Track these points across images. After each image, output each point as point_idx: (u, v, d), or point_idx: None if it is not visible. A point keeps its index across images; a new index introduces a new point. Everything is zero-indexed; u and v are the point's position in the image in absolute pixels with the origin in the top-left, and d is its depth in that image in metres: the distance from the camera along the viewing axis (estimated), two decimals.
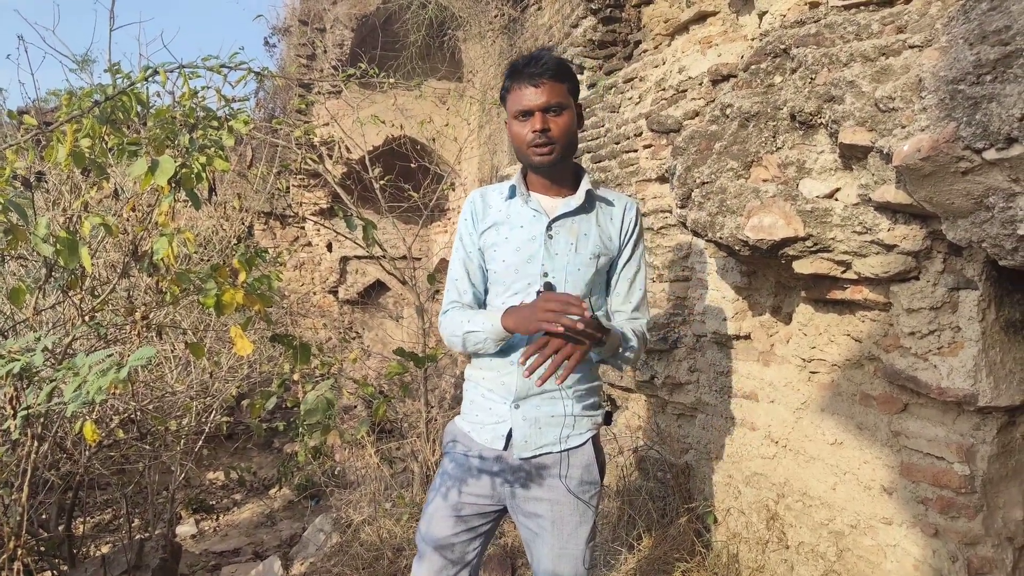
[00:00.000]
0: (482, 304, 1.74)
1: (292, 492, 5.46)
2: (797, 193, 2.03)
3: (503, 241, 1.64)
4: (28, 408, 1.41)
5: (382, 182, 4.43)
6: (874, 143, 1.76)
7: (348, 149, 6.38)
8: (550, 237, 1.61)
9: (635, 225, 1.70)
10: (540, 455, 1.61)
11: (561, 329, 1.41)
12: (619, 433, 3.48)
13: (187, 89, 2.64)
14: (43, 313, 2.67)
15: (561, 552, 1.60)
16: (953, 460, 1.87)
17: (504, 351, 1.62)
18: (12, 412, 1.61)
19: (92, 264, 2.07)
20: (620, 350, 1.62)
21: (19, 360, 1.23)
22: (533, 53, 1.61)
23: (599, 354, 1.63)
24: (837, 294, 2.12)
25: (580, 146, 3.91)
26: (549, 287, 1.59)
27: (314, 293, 8.05)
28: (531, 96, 1.55)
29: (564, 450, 1.61)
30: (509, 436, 1.61)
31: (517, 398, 1.61)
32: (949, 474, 1.88)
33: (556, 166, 1.61)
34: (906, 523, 1.99)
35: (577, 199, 1.63)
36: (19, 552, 1.72)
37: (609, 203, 1.69)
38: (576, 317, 1.41)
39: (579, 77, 4.34)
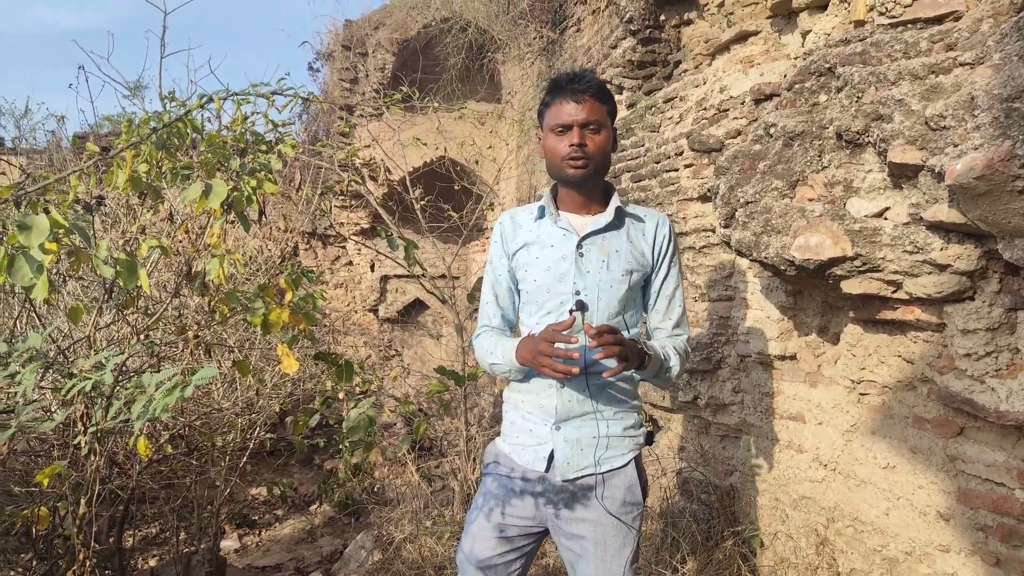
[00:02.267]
0: (513, 325, 1.78)
1: (333, 508, 5.51)
2: (844, 212, 2.01)
3: (534, 261, 1.66)
4: (97, 424, 1.46)
5: (423, 203, 4.49)
6: (925, 162, 1.73)
7: (389, 170, 6.49)
8: (581, 255, 1.62)
9: (668, 241, 1.70)
10: (583, 476, 1.60)
11: (562, 376, 1.45)
12: (662, 454, 3.44)
13: (239, 115, 2.73)
14: (99, 331, 2.77)
15: (605, 574, 1.59)
16: (1014, 486, 1.80)
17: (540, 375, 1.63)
18: (83, 429, 1.67)
19: (148, 285, 2.14)
20: (661, 371, 1.62)
21: (90, 378, 1.28)
22: (576, 71, 1.63)
23: (641, 376, 1.63)
24: (887, 314, 2.08)
25: (620, 165, 3.92)
26: (581, 305, 1.59)
27: (355, 311, 8.16)
28: (572, 111, 1.57)
29: (607, 471, 1.61)
30: (551, 458, 1.61)
31: (558, 420, 1.61)
32: (1010, 501, 1.81)
33: (588, 182, 1.62)
34: (965, 551, 1.93)
35: (607, 216, 1.64)
36: (88, 563, 1.78)
37: (640, 219, 1.69)
38: (568, 346, 1.44)
39: (619, 97, 4.36)
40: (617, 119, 4.22)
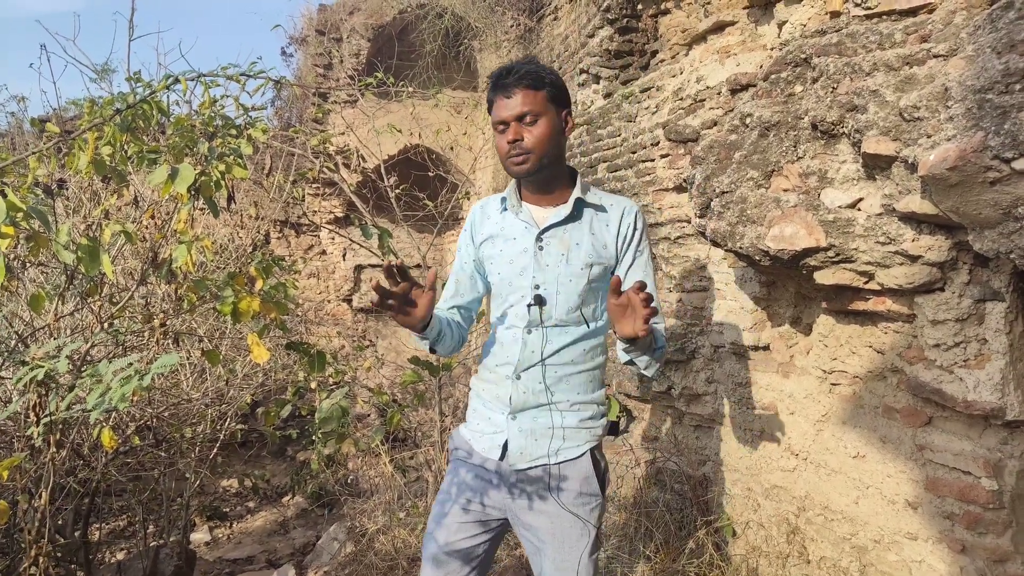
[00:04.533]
0: (470, 313, 1.80)
1: (305, 500, 5.46)
2: (819, 203, 2.01)
3: (498, 254, 1.65)
4: (51, 415, 1.41)
5: (397, 191, 4.44)
6: (898, 153, 1.74)
7: (364, 158, 6.41)
8: (540, 248, 1.60)
9: (634, 229, 1.65)
10: (535, 467, 1.59)
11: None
12: (635, 444, 3.45)
13: (207, 97, 2.66)
14: (62, 320, 2.69)
15: (563, 565, 1.57)
16: (980, 475, 1.83)
17: (502, 364, 1.63)
18: (36, 419, 1.62)
19: (112, 271, 2.08)
20: (652, 348, 1.57)
21: (43, 367, 1.23)
22: (511, 64, 1.61)
23: (629, 354, 1.56)
24: (859, 305, 2.09)
25: (596, 155, 3.90)
26: (539, 300, 1.58)
27: (328, 301, 8.07)
28: (504, 107, 1.55)
29: (560, 462, 1.59)
30: (505, 447, 1.60)
31: (514, 410, 1.60)
32: (976, 489, 1.84)
33: (538, 175, 1.60)
34: (932, 539, 1.96)
35: (566, 208, 1.61)
36: (40, 559, 1.73)
37: (603, 209, 1.65)
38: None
39: (595, 87, 4.35)
40: (594, 108, 4.21)
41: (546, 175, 1.61)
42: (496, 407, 1.63)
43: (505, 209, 1.68)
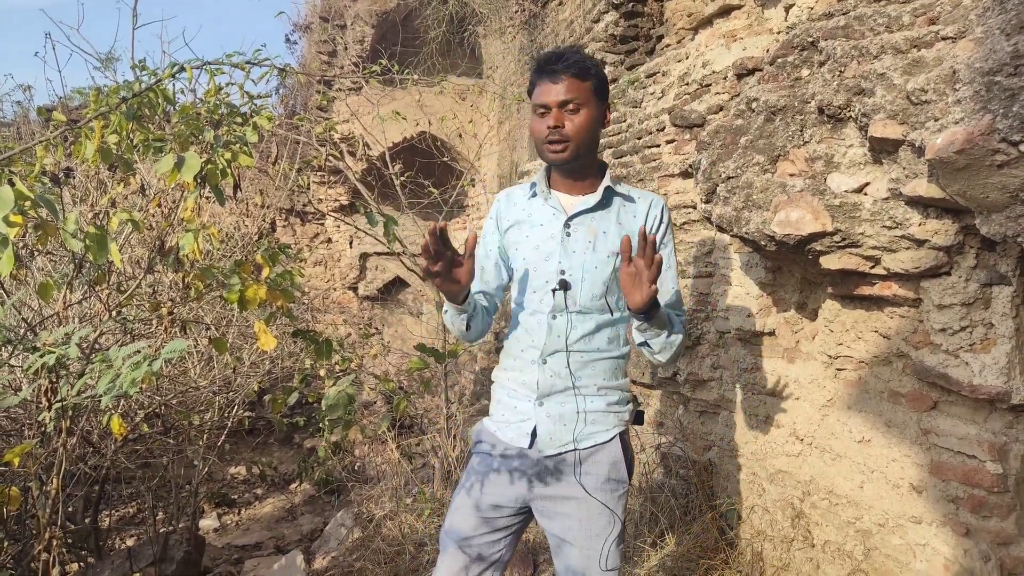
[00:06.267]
0: (493, 302, 1.76)
1: (312, 487, 5.50)
2: (825, 187, 2.00)
3: (524, 239, 1.66)
4: (63, 400, 1.42)
5: (402, 178, 4.43)
6: (906, 136, 1.73)
7: (368, 145, 6.40)
8: (568, 235, 1.61)
9: (660, 222, 1.68)
10: (565, 452, 1.59)
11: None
12: (641, 430, 3.46)
13: (212, 85, 2.66)
14: (70, 308, 2.71)
15: (589, 552, 1.57)
16: (985, 458, 1.83)
17: (527, 349, 1.63)
18: (47, 404, 1.63)
19: (120, 260, 2.09)
20: (665, 330, 1.56)
21: (54, 352, 1.24)
22: (559, 49, 1.61)
23: (642, 333, 1.56)
24: (865, 290, 2.09)
25: (602, 142, 3.89)
26: (564, 285, 1.58)
27: (334, 289, 8.09)
28: (549, 92, 1.56)
29: (590, 447, 1.59)
30: (534, 434, 1.60)
31: (540, 396, 1.60)
32: (981, 473, 1.84)
33: (571, 164, 1.61)
34: (936, 522, 1.96)
35: (595, 196, 1.62)
36: (52, 544, 1.75)
37: (631, 200, 1.67)
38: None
39: None
40: (607, 99, 4.18)
41: (579, 164, 1.63)
42: (522, 394, 1.63)
43: (534, 195, 1.69)
